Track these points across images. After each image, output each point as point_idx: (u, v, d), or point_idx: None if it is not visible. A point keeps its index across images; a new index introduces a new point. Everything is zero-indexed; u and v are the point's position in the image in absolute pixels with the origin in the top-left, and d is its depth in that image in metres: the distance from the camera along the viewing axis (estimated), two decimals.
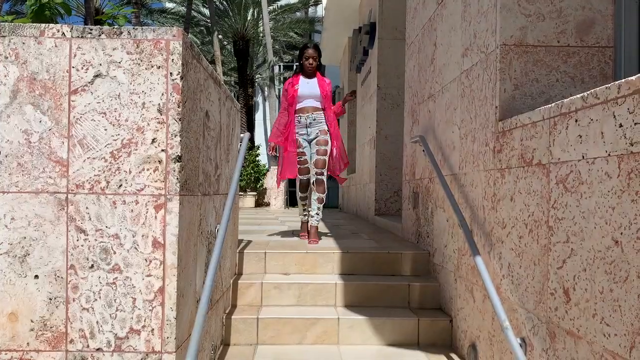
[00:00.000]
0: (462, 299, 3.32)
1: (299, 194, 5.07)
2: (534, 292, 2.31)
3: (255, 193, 14.45)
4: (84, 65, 2.12)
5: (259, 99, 27.06)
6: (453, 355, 3.27)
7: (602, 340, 1.78)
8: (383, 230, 6.10)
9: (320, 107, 4.89)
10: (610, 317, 1.74)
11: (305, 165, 4.85)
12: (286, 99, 4.95)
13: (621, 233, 1.68)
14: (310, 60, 4.89)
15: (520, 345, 2.31)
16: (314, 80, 4.94)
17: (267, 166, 16.04)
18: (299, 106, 4.88)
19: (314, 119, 4.86)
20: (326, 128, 4.87)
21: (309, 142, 4.88)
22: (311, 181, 4.84)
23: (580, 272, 1.92)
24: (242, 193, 13.91)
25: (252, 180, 14.41)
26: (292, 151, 4.91)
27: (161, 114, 2.12)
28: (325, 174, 4.82)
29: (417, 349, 3.39)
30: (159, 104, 2.12)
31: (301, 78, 4.94)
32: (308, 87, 4.88)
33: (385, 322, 3.47)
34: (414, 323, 3.49)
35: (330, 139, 4.87)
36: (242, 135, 3.93)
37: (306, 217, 5.03)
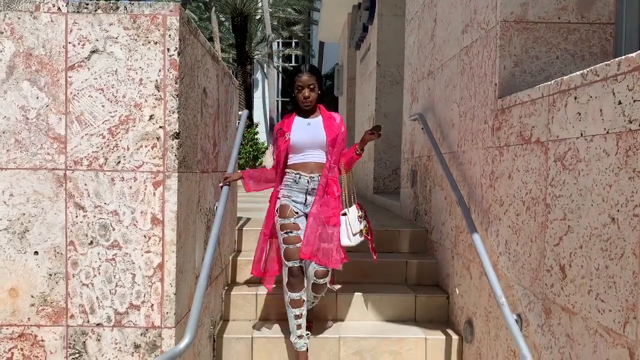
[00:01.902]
0: (459, 275, 3.34)
1: (288, 296, 2.94)
2: (530, 269, 2.33)
3: None
4: (80, 41, 2.10)
5: (258, 76, 26.90)
6: (449, 331, 3.31)
7: (597, 316, 1.80)
8: (381, 209, 6.12)
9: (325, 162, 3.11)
10: (605, 293, 1.75)
11: (298, 245, 2.91)
12: (275, 155, 3.21)
13: (618, 210, 1.69)
14: (306, 92, 3.03)
15: (516, 321, 2.33)
16: (318, 119, 3.13)
17: (265, 144, 16.02)
18: (294, 160, 3.10)
19: (318, 182, 3.06)
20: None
21: (305, 215, 3.05)
22: (310, 283, 2.96)
23: (577, 249, 1.94)
24: None
25: (250, 159, 14.40)
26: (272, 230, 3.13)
27: (159, 90, 2.11)
28: (328, 275, 2.96)
29: (414, 324, 3.42)
30: (157, 80, 2.11)
31: (296, 119, 3.15)
32: (308, 132, 3.08)
33: (383, 298, 3.51)
34: (411, 299, 3.52)
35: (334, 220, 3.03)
36: (240, 112, 3.92)
37: (303, 344, 2.98)
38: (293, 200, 3.04)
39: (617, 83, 1.69)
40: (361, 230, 3.05)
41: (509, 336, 2.53)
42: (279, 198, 3.07)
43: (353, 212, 3.06)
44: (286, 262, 2.93)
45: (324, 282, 2.93)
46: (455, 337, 3.24)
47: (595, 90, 1.81)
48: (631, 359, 1.61)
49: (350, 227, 3.03)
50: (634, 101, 1.60)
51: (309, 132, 3.08)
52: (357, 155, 3.13)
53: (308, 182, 3.03)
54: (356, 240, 3.03)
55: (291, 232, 2.95)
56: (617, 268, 1.69)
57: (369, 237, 3.11)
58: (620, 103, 1.68)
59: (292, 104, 3.23)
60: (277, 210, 3.05)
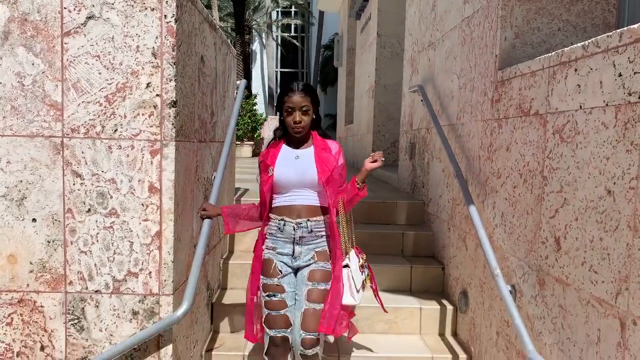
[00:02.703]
0: (454, 247, 3.37)
1: None
2: (525, 241, 2.35)
3: (252, 143, 14.41)
4: (76, 6, 2.07)
5: (256, 47, 26.60)
6: (444, 302, 3.35)
7: (590, 287, 1.82)
8: (379, 181, 6.13)
9: (319, 204, 2.49)
10: (599, 265, 1.77)
11: (282, 312, 2.40)
12: (260, 191, 2.55)
13: (614, 183, 1.70)
14: (297, 116, 2.42)
15: (510, 292, 2.36)
16: (309, 151, 2.51)
17: (264, 115, 15.93)
18: (279, 201, 2.49)
19: (311, 231, 2.45)
20: (327, 248, 2.49)
21: (294, 270, 2.48)
22: (296, 354, 2.41)
23: (572, 221, 1.95)
24: (239, 143, 13.87)
25: (249, 130, 14.34)
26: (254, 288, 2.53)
27: (155, 58, 2.09)
28: (320, 342, 2.41)
29: (410, 295, 3.47)
30: (154, 47, 2.08)
31: (283, 149, 2.53)
32: (296, 168, 2.47)
33: (379, 269, 3.52)
34: (407, 270, 3.56)
35: (332, 274, 2.46)
36: (238, 82, 3.89)
37: None
38: (279, 253, 2.46)
39: (618, 55, 1.68)
40: (363, 282, 2.52)
41: (502, 307, 2.57)
42: (262, 250, 2.51)
43: (354, 260, 2.51)
44: (268, 330, 2.41)
45: (314, 353, 2.38)
46: (450, 307, 3.29)
47: (596, 62, 1.80)
48: (622, 329, 1.64)
49: (354, 281, 2.47)
50: (634, 73, 1.59)
51: (296, 168, 2.45)
52: (359, 191, 2.48)
53: (294, 229, 2.42)
54: (360, 297, 2.50)
55: (274, 295, 2.40)
56: (612, 240, 1.70)
57: (373, 287, 2.63)
58: (620, 75, 1.66)
59: (281, 130, 2.56)
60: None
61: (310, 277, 2.41)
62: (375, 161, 2.48)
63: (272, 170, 2.46)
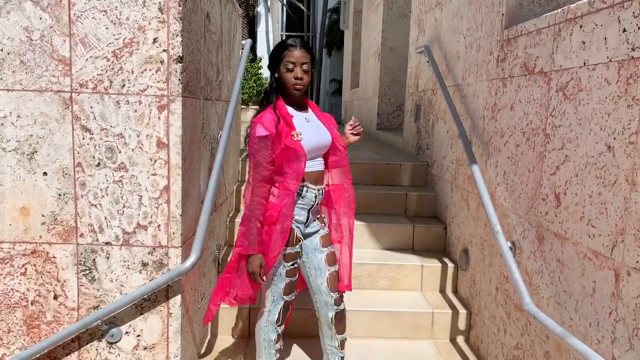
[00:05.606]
0: (457, 207, 3.42)
1: (274, 331, 2.41)
2: (526, 198, 2.39)
3: (257, 107, 14.36)
4: None
5: (261, 9, 26.19)
6: (445, 259, 3.42)
7: (587, 241, 1.87)
8: (384, 144, 6.15)
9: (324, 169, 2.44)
10: (597, 219, 1.81)
11: (296, 277, 2.40)
12: (263, 158, 2.23)
13: (614, 138, 1.72)
14: (299, 72, 2.24)
15: (510, 248, 2.41)
16: (312, 114, 2.41)
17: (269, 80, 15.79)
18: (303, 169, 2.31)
19: (322, 196, 2.41)
20: (322, 214, 2.51)
21: (305, 237, 2.40)
22: (327, 316, 2.43)
23: (572, 177, 1.98)
24: (245, 106, 13.81)
25: (254, 94, 14.26)
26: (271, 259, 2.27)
27: (162, 13, 2.10)
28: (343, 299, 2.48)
29: (412, 253, 3.54)
30: (160, 2, 2.09)
31: (290, 110, 2.31)
32: (315, 132, 2.33)
33: (382, 228, 3.60)
34: (409, 229, 3.62)
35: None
36: (243, 42, 3.88)
37: None
38: (296, 220, 2.33)
39: (623, 10, 1.68)
40: None
41: (502, 263, 2.62)
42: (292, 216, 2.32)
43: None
44: (284, 297, 2.35)
45: (344, 310, 2.47)
46: (451, 265, 3.35)
47: (602, 17, 1.80)
48: (616, 279, 1.69)
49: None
50: (639, 28, 1.60)
51: (316, 132, 2.32)
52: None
53: (316, 196, 2.34)
54: None
55: (295, 262, 2.35)
56: (610, 194, 1.74)
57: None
58: (624, 30, 1.67)
59: (274, 90, 2.33)
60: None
61: (323, 242, 2.40)
62: (357, 134, 2.56)
63: (299, 134, 2.23)
